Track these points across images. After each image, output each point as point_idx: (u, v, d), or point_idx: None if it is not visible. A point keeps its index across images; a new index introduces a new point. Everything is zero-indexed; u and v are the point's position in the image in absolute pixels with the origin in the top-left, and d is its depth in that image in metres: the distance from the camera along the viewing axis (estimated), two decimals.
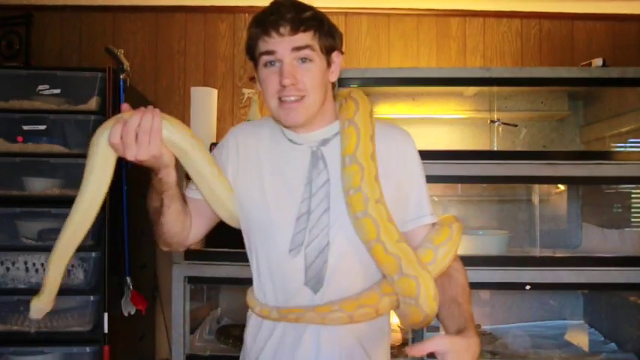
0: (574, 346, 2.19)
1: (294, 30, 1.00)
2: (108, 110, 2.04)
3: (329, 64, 1.07)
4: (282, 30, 0.99)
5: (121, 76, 2.08)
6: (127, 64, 2.10)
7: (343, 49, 1.11)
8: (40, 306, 1.07)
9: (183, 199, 1.11)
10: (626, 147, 2.20)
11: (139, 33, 2.68)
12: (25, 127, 2.09)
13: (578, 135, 2.47)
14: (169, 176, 1.02)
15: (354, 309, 1.03)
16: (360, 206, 1.00)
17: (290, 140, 1.09)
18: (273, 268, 1.08)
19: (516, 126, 2.34)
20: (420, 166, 1.13)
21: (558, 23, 2.67)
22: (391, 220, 1.02)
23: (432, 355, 0.91)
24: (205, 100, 2.21)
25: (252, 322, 1.17)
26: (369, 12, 2.67)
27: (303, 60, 1.02)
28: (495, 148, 2.20)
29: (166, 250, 1.18)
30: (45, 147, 2.09)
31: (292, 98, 1.01)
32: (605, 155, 2.04)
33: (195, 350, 2.10)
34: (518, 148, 2.39)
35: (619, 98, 2.22)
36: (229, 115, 2.66)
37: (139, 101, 2.39)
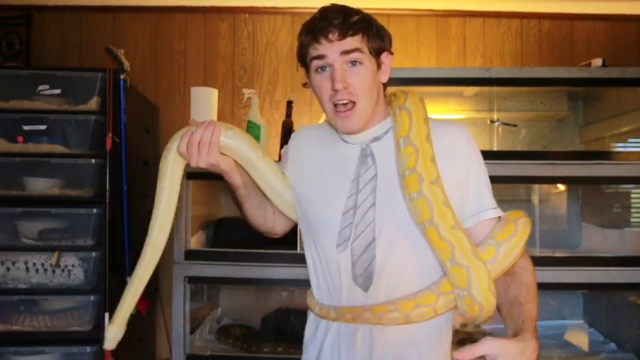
0: (574, 346, 2.19)
1: (343, 35, 1.02)
2: (108, 110, 2.04)
3: (379, 65, 1.08)
4: (330, 36, 1.02)
5: (122, 76, 2.08)
6: (127, 65, 2.10)
7: (392, 50, 1.12)
8: (115, 334, 1.12)
9: (262, 196, 1.18)
10: (626, 147, 2.20)
11: (139, 33, 2.68)
12: (26, 127, 2.09)
13: (577, 135, 2.47)
14: (232, 179, 1.11)
15: (410, 309, 1.02)
16: (414, 187, 1.00)
17: (343, 140, 1.13)
18: (324, 265, 1.10)
19: (516, 126, 2.34)
20: (478, 162, 1.10)
21: (558, 23, 2.67)
22: (447, 204, 1.00)
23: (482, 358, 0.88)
24: (205, 100, 2.21)
25: (311, 319, 1.17)
26: (369, 12, 2.65)
27: (353, 63, 1.04)
28: (495, 148, 2.20)
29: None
30: (45, 147, 2.09)
31: (345, 101, 1.04)
32: (604, 155, 2.04)
33: (196, 350, 2.10)
34: (518, 148, 2.39)
35: (619, 98, 2.23)
36: (229, 115, 2.66)
37: (139, 101, 2.39)
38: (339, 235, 1.07)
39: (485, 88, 2.18)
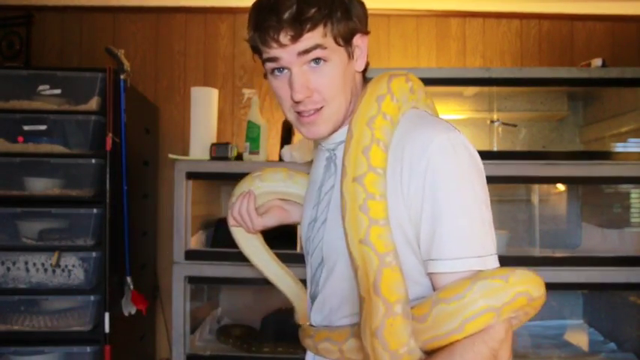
0: (573, 345, 2.19)
1: (297, 34, 0.82)
2: (108, 110, 2.04)
3: (351, 54, 0.88)
4: (282, 38, 0.83)
5: (122, 77, 2.08)
6: (127, 65, 2.10)
7: (368, 28, 0.92)
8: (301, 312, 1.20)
9: None
10: (626, 147, 2.20)
11: (140, 33, 2.69)
12: (26, 128, 2.09)
13: (577, 135, 2.47)
14: (290, 221, 1.17)
15: (343, 340, 0.89)
16: (341, 184, 0.83)
17: (319, 143, 1.01)
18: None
19: (516, 126, 2.34)
20: (448, 188, 0.77)
21: (558, 23, 2.67)
22: (365, 209, 0.78)
23: None
24: (206, 100, 2.22)
25: None
26: (369, 13, 2.65)
27: (316, 61, 0.85)
28: (495, 148, 2.20)
29: None
30: (45, 147, 2.09)
31: (310, 112, 0.87)
32: (604, 155, 2.04)
33: (196, 350, 2.10)
34: (518, 148, 2.39)
35: (618, 98, 2.23)
36: (229, 115, 2.66)
37: (139, 101, 2.39)
38: (304, 246, 1.02)
39: (485, 88, 2.18)
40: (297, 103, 0.87)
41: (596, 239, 2.26)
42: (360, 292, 0.79)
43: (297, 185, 1.16)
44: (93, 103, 2.09)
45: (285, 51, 0.84)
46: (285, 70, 0.87)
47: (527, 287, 0.73)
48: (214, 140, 2.18)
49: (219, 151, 2.08)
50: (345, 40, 0.87)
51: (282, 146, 2.20)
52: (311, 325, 1.00)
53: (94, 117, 2.07)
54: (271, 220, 1.14)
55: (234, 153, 2.10)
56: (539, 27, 2.67)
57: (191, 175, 2.03)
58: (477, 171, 0.81)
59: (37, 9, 2.58)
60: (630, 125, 2.16)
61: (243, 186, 1.15)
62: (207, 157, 2.10)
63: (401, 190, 0.80)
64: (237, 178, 2.11)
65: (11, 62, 2.38)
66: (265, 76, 0.91)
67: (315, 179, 1.00)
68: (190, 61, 2.69)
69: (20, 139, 2.09)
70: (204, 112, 2.19)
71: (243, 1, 2.64)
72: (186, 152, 2.32)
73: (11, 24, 2.44)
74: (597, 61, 2.11)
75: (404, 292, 0.77)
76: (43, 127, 2.09)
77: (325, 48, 0.84)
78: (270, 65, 0.88)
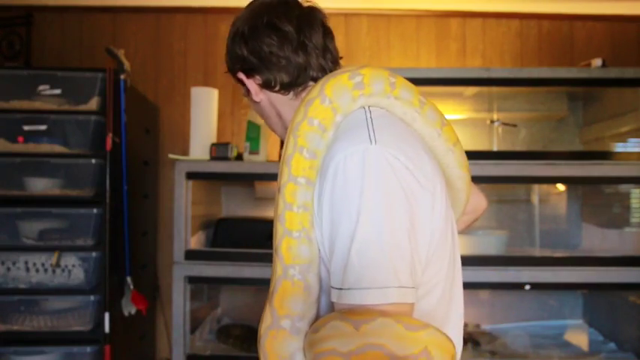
0: (573, 345, 2.19)
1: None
2: (108, 110, 2.04)
3: (248, 89, 0.93)
4: None
5: (122, 77, 2.08)
6: (127, 65, 2.10)
7: (243, 66, 0.92)
8: None
9: None
10: (625, 147, 2.20)
11: (140, 33, 2.69)
12: (26, 128, 2.09)
13: (577, 135, 2.47)
14: None
15: None
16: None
17: None
18: None
19: (516, 126, 2.34)
20: (345, 209, 0.70)
21: (558, 23, 2.67)
22: (283, 219, 0.76)
23: None
24: (206, 100, 2.22)
25: None
26: (369, 13, 2.67)
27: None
28: (495, 149, 2.20)
29: None
30: (45, 147, 2.09)
31: None
32: (604, 155, 2.04)
33: (196, 350, 2.10)
34: (518, 149, 2.39)
35: (618, 98, 2.23)
36: (230, 116, 2.66)
37: (139, 101, 2.39)
38: None
39: (485, 89, 2.18)
40: None
41: (596, 239, 2.27)
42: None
43: None
44: (93, 103, 2.09)
45: None
46: None
47: (382, 341, 0.61)
48: (214, 140, 2.18)
49: (219, 151, 2.08)
50: (238, 79, 0.94)
51: (281, 146, 2.20)
52: None
53: (94, 117, 2.07)
54: None
55: (234, 153, 2.10)
56: (539, 27, 2.67)
57: (191, 175, 2.03)
58: (382, 189, 0.70)
59: (37, 9, 2.59)
60: (630, 125, 2.16)
61: None
62: (207, 157, 2.10)
63: (317, 208, 0.76)
64: (237, 178, 2.11)
65: (11, 62, 2.39)
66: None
67: None
68: (190, 61, 2.69)
69: (20, 139, 2.09)
70: (204, 112, 2.19)
71: (243, 1, 2.64)
72: (186, 152, 2.32)
73: (11, 24, 2.45)
74: (597, 61, 2.11)
75: (299, 309, 0.73)
76: (43, 127, 2.09)
77: (240, 85, 0.95)
78: None
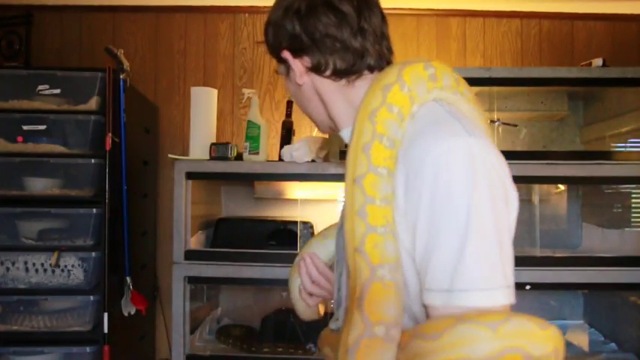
0: (574, 346, 2.19)
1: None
2: (108, 110, 2.04)
3: (289, 68, 0.89)
4: None
5: (121, 76, 2.08)
6: (127, 64, 2.10)
7: (287, 44, 0.86)
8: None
9: None
10: (625, 147, 2.20)
11: (139, 33, 2.68)
12: (25, 127, 2.09)
13: (578, 135, 2.47)
14: None
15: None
16: (345, 180, 0.76)
17: None
18: None
19: (516, 126, 2.34)
20: (444, 208, 0.66)
21: (558, 23, 2.67)
22: (363, 214, 0.69)
23: None
24: (205, 100, 2.21)
25: None
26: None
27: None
28: None
29: None
30: (45, 147, 2.09)
31: None
32: (605, 155, 2.04)
33: (195, 350, 2.10)
34: (518, 148, 2.39)
35: (619, 98, 2.22)
36: (229, 115, 2.66)
37: (139, 101, 2.39)
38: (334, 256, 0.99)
39: (486, 88, 2.18)
40: None
41: (597, 239, 2.26)
42: (348, 302, 0.71)
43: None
44: (92, 103, 2.09)
45: None
46: None
47: (521, 342, 0.60)
48: (214, 140, 2.18)
49: (218, 151, 2.08)
50: (279, 58, 0.89)
51: (282, 146, 2.20)
52: (331, 330, 0.94)
53: (94, 117, 2.07)
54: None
55: (234, 153, 2.10)
56: (539, 26, 2.67)
57: (191, 175, 2.03)
58: (488, 185, 0.66)
59: (36, 9, 2.58)
60: (631, 125, 2.15)
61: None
62: (207, 156, 2.10)
63: (403, 204, 0.71)
64: (237, 178, 2.10)
65: (11, 62, 2.38)
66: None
67: None
68: (190, 61, 2.69)
69: (20, 139, 2.09)
70: (204, 112, 2.19)
71: (243, 1, 2.64)
72: (185, 152, 2.31)
73: (11, 24, 2.44)
74: (598, 61, 2.10)
75: (393, 313, 0.66)
76: (42, 127, 2.09)
77: (279, 63, 0.90)
78: None
